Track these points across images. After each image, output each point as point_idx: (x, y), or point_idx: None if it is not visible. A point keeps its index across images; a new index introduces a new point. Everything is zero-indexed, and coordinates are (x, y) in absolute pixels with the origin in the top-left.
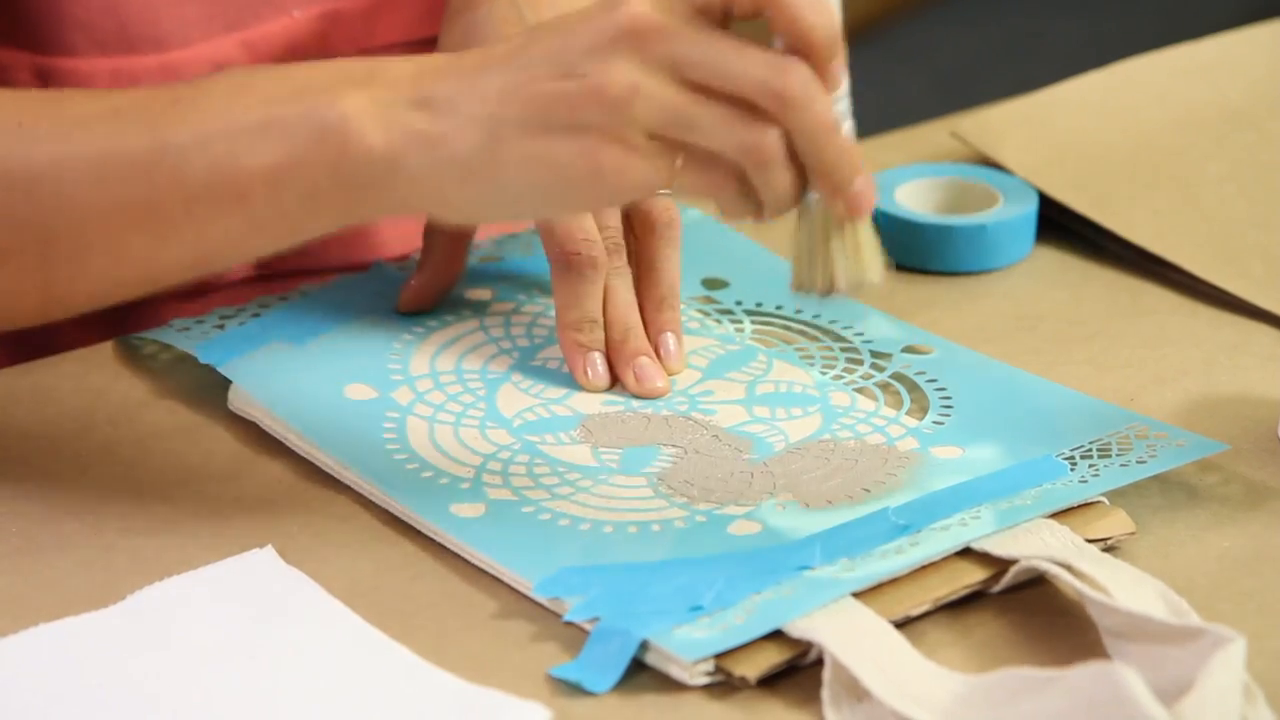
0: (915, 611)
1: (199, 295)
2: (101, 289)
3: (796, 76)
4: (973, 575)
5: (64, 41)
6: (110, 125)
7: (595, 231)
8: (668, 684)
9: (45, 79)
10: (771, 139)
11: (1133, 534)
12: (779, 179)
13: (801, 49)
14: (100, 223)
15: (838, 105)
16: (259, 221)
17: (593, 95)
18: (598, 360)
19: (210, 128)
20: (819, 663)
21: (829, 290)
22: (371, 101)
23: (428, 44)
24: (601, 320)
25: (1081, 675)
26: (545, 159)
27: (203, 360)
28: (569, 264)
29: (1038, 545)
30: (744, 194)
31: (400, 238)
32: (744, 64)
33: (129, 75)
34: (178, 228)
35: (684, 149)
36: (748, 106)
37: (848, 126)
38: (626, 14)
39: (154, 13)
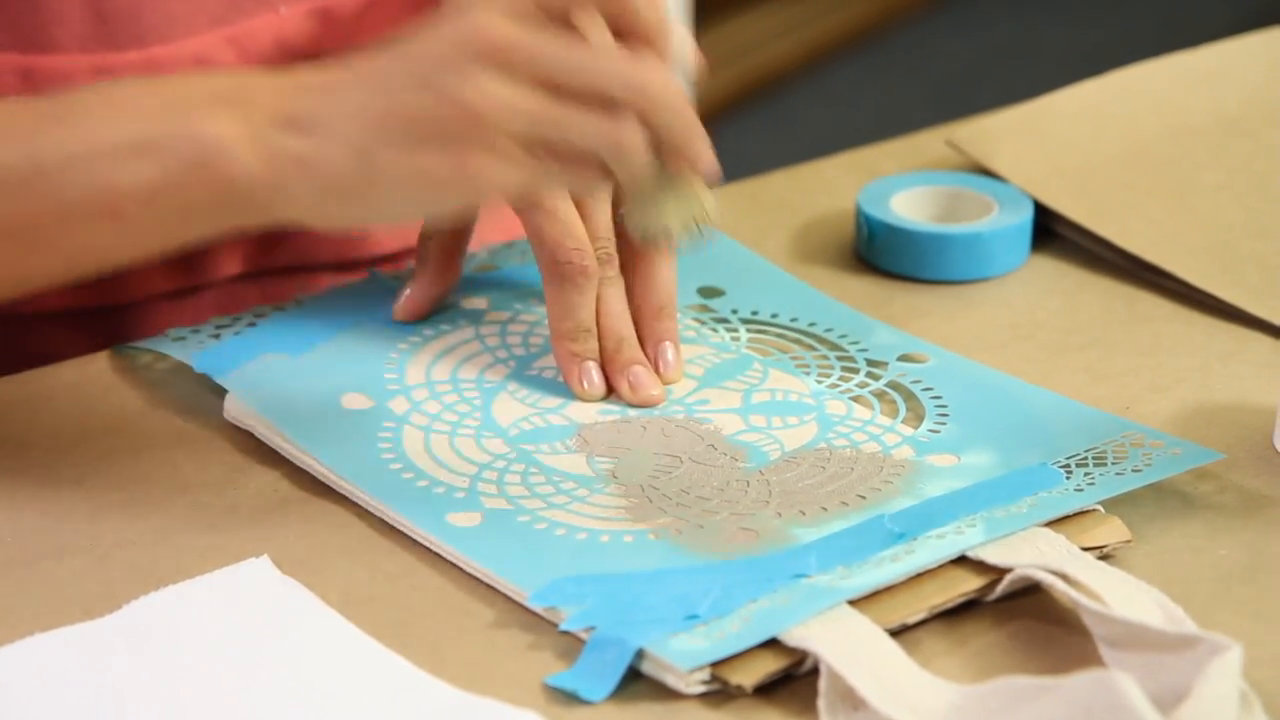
0: (911, 619)
1: (190, 294)
2: None
3: (651, 68)
4: (968, 583)
5: (44, 38)
6: None
7: (586, 240)
8: (664, 693)
9: (28, 78)
10: (632, 130)
11: (1128, 542)
12: (639, 163)
13: (635, 35)
14: None
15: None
16: (135, 235)
17: (456, 111)
18: (592, 370)
19: (85, 146)
20: (815, 671)
21: (664, 233)
22: (244, 123)
23: None
24: (595, 329)
25: (1078, 684)
26: (418, 172)
27: (198, 370)
28: (561, 274)
29: (1033, 553)
30: (606, 178)
31: (394, 234)
32: (603, 60)
33: (111, 72)
34: (52, 241)
35: (549, 147)
36: (603, 99)
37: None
38: (475, 25)
39: (136, 8)
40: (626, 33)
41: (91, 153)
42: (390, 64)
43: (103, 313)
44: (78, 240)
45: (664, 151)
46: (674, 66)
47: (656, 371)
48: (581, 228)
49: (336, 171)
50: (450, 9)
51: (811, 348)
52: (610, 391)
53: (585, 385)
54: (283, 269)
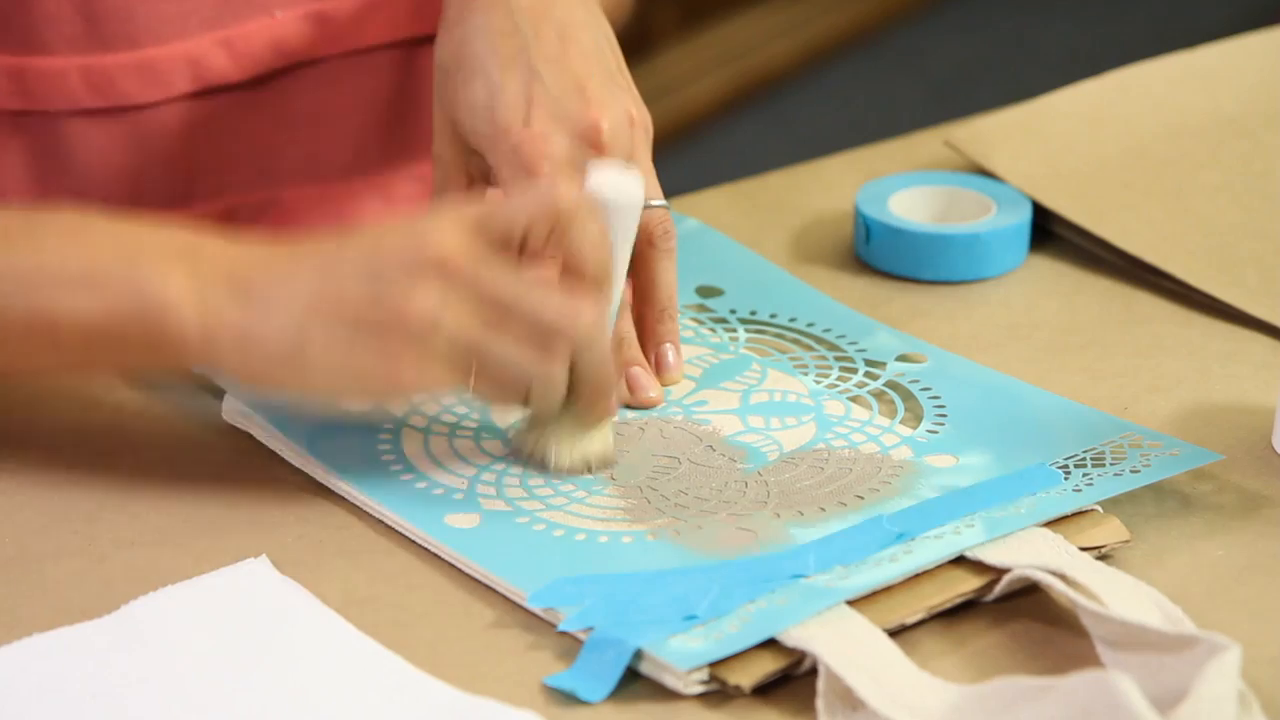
0: (909, 620)
1: None
2: None
3: (587, 312)
4: (967, 584)
5: (35, 40)
6: None
7: None
8: (662, 693)
9: (19, 79)
10: (559, 369)
11: (1127, 542)
12: (557, 396)
13: (578, 274)
14: None
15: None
16: (68, 362)
17: (397, 319)
18: None
19: (36, 270)
20: (813, 671)
21: (554, 465)
22: (192, 282)
23: (415, 43)
24: None
25: (1076, 684)
26: (348, 366)
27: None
28: None
29: (1031, 554)
30: (523, 403)
31: None
32: (542, 296)
33: (102, 73)
34: None
35: (478, 365)
36: (535, 332)
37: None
38: (435, 246)
39: (128, 9)
40: (571, 270)
41: (41, 279)
42: (343, 255)
43: None
44: (13, 357)
45: (577, 392)
46: (608, 310)
47: (657, 373)
48: None
49: (269, 348)
50: (416, 216)
51: (810, 348)
52: None
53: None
54: None
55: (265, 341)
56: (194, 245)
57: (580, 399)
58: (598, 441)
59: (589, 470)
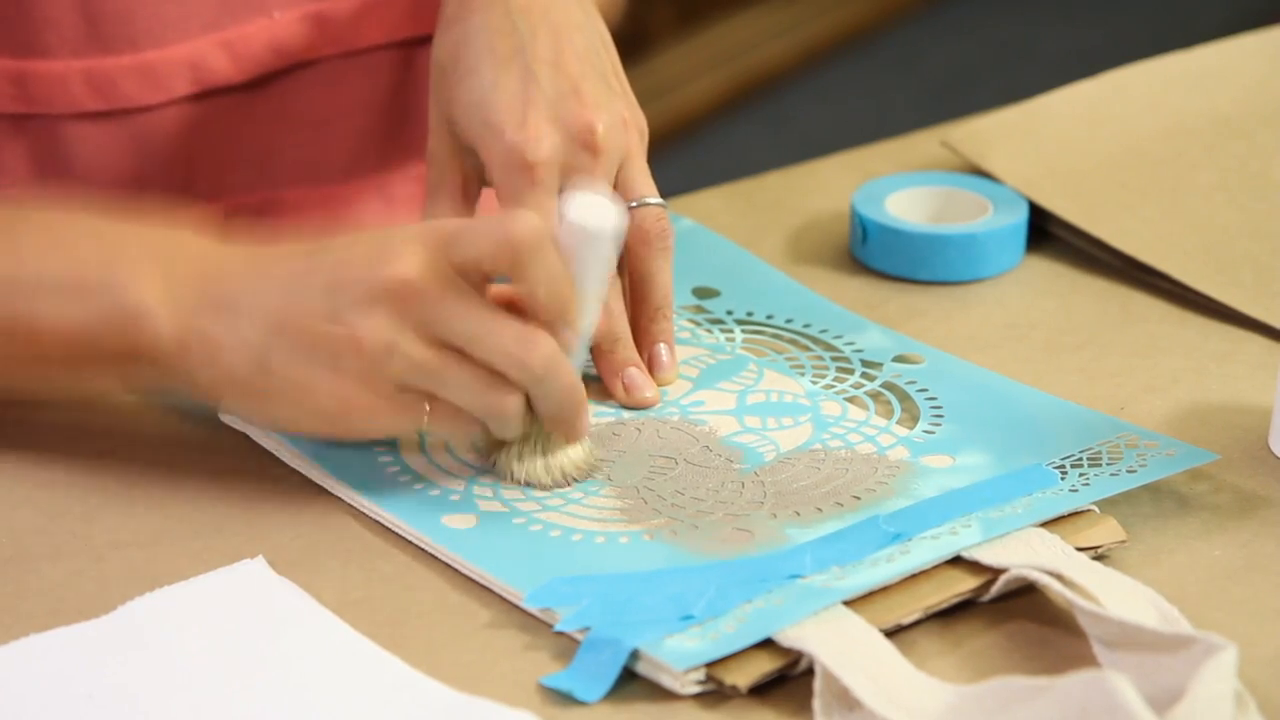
0: (906, 620)
1: None
2: None
3: (539, 352)
4: (963, 584)
5: (36, 43)
6: None
7: None
8: (659, 693)
9: (20, 84)
10: (513, 403)
11: (1123, 542)
12: (515, 429)
13: (534, 312)
14: None
15: (575, 354)
16: (48, 368)
17: (351, 345)
18: None
19: (15, 276)
20: (810, 672)
21: (530, 482)
22: (166, 287)
23: (413, 44)
24: None
25: (1073, 684)
26: (304, 391)
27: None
28: None
29: (1028, 554)
30: (480, 430)
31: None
32: (494, 336)
33: (103, 76)
34: None
35: (432, 399)
36: (488, 370)
37: (579, 362)
38: (394, 274)
39: (128, 12)
40: (527, 306)
41: (23, 284)
42: (310, 267)
43: None
44: None
45: (543, 417)
46: (575, 339)
47: (651, 373)
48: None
49: (236, 366)
50: (384, 232)
51: (806, 348)
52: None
53: None
54: None
55: (231, 359)
56: (173, 246)
57: (545, 423)
58: (573, 453)
59: (568, 483)
